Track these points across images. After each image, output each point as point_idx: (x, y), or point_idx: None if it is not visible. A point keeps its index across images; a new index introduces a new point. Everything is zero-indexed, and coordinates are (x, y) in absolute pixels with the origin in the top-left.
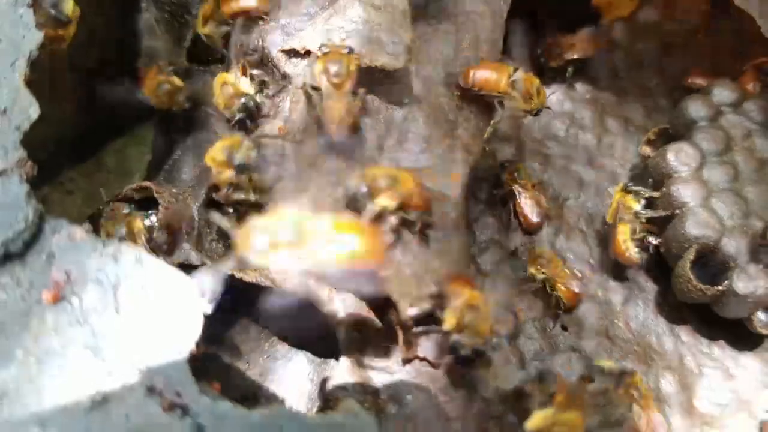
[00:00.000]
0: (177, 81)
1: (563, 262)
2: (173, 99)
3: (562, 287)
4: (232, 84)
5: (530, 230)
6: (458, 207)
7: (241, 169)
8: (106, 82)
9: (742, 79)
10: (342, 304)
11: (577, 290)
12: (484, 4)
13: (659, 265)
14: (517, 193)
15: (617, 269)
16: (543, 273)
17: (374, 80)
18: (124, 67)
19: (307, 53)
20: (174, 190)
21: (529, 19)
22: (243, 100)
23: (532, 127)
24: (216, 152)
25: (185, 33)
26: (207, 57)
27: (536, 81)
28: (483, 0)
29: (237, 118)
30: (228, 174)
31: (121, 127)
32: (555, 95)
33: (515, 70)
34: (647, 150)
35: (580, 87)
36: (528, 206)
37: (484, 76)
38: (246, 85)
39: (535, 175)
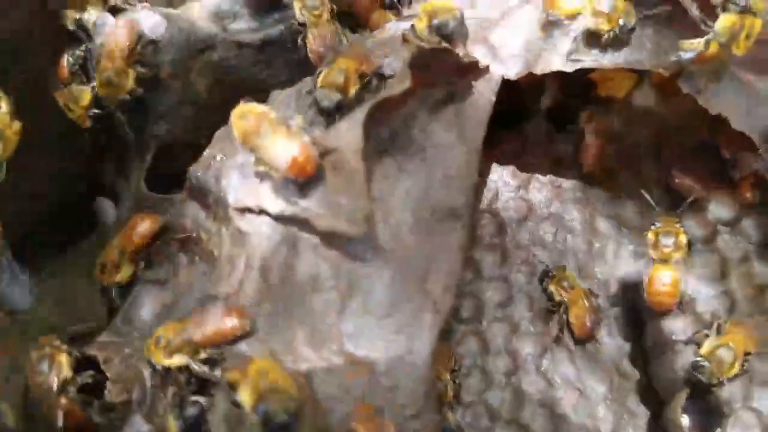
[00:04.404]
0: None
1: (587, 295)
2: None
3: (575, 315)
4: None
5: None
6: (426, 380)
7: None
8: None
9: (740, 189)
10: None
11: (589, 325)
12: (456, 133)
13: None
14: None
15: (600, 366)
16: (561, 296)
17: (335, 238)
18: None
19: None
20: (127, 351)
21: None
22: None
23: (518, 231)
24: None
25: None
26: (168, 181)
27: None
28: (455, 129)
29: None
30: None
31: None
32: (542, 194)
33: None
34: None
35: (568, 185)
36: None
37: None
38: None
39: (520, 287)
